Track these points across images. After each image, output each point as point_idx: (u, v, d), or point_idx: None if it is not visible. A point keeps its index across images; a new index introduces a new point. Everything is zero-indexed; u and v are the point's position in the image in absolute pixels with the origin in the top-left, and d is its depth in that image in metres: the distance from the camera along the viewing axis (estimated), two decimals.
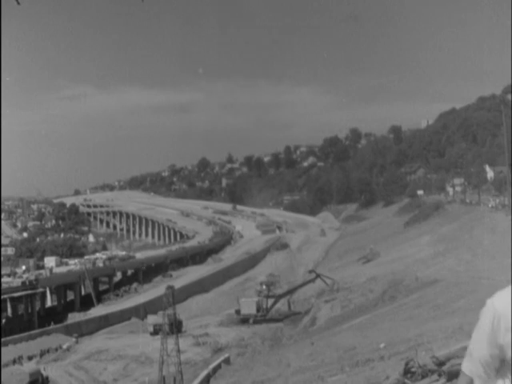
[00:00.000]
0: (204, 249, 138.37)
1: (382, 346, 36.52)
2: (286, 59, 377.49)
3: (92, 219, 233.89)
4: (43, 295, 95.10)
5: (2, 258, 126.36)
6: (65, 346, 65.94)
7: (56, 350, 65.19)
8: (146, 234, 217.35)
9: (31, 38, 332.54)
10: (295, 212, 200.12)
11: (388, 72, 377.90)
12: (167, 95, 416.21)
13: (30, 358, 61.44)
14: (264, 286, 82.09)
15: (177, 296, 56.32)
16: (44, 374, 53.56)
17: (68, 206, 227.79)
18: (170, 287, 51.68)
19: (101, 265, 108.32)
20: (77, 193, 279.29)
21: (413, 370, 19.90)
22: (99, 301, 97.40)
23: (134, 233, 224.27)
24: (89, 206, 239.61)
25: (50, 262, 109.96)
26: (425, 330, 38.78)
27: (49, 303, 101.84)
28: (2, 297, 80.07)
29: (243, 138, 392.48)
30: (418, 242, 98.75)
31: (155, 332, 65.58)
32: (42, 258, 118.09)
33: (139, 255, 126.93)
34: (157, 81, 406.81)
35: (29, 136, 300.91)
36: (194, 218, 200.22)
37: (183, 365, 47.37)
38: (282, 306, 78.25)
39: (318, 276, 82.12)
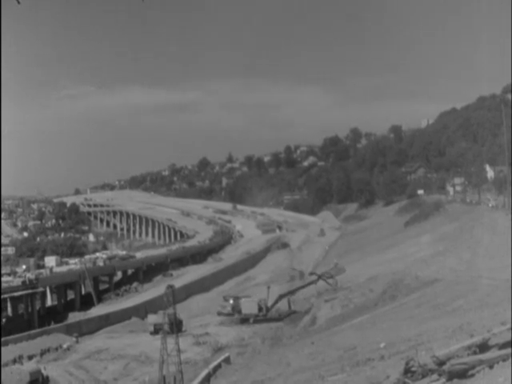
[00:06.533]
0: (204, 248, 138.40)
1: (382, 345, 36.52)
2: (286, 59, 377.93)
3: (92, 219, 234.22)
4: (43, 294, 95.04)
5: (2, 258, 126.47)
6: (65, 346, 65.91)
7: (56, 349, 65.17)
8: (147, 234, 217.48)
9: (31, 38, 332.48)
10: (295, 211, 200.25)
11: (388, 72, 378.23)
12: (167, 95, 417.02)
13: (30, 358, 61.37)
14: (231, 301, 79.21)
15: (177, 295, 56.23)
16: (44, 373, 53.54)
17: (68, 205, 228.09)
18: (171, 286, 51.50)
19: (101, 264, 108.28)
20: (77, 192, 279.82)
21: (413, 369, 19.89)
22: (99, 300, 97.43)
23: (134, 232, 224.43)
24: (89, 206, 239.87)
25: (50, 261, 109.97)
26: (425, 329, 38.78)
27: (49, 302, 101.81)
28: (2, 296, 80.00)
29: (243, 138, 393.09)
30: (419, 242, 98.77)
31: (155, 331, 65.65)
32: (42, 258, 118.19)
33: (139, 254, 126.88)
34: (157, 80, 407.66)
35: (29, 136, 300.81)
36: (194, 218, 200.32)
37: (183, 364, 47.34)
38: (281, 305, 78.24)
39: (319, 278, 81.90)
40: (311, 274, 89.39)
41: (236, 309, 78.30)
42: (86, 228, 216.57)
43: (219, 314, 79.61)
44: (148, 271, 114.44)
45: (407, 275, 71.74)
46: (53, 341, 68.09)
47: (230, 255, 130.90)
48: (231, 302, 79.83)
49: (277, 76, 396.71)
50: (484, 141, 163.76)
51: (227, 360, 52.94)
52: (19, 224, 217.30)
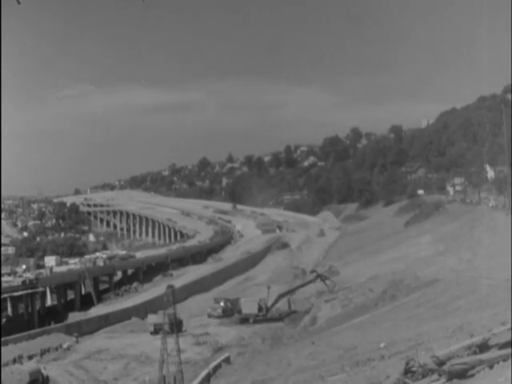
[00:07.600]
0: (204, 248, 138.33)
1: (382, 345, 36.53)
2: (286, 59, 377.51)
3: (92, 218, 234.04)
4: (43, 294, 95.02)
5: (2, 258, 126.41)
6: (65, 346, 65.92)
7: (56, 349, 65.17)
8: (147, 234, 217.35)
9: (31, 38, 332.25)
10: (295, 211, 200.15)
11: (388, 72, 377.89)
12: (167, 95, 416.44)
13: (30, 358, 61.35)
14: (222, 303, 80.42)
15: (177, 295, 56.23)
16: (44, 373, 53.56)
17: (68, 205, 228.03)
18: (171, 286, 51.58)
19: (101, 264, 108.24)
20: (77, 192, 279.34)
21: (413, 369, 19.88)
22: (99, 300, 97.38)
23: (134, 232, 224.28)
24: (89, 206, 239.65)
25: (50, 261, 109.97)
26: (425, 329, 38.79)
27: (49, 302, 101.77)
28: (3, 296, 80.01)
29: (243, 138, 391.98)
30: (419, 242, 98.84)
31: (155, 331, 65.66)
32: (42, 258, 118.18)
33: (139, 254, 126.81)
34: (157, 80, 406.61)
35: (29, 136, 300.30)
36: (194, 218, 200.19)
37: (183, 364, 47.35)
38: (281, 305, 78.28)
39: (318, 276, 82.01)
40: (312, 271, 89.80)
41: (235, 309, 78.41)
42: (86, 228, 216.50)
43: (209, 315, 79.52)
44: (148, 271, 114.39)
45: (407, 275, 71.78)
46: (53, 341, 68.09)
47: (230, 255, 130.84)
48: (222, 304, 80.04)
49: (277, 76, 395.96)
50: (484, 141, 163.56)
51: (227, 360, 52.98)
52: (19, 224, 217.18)
